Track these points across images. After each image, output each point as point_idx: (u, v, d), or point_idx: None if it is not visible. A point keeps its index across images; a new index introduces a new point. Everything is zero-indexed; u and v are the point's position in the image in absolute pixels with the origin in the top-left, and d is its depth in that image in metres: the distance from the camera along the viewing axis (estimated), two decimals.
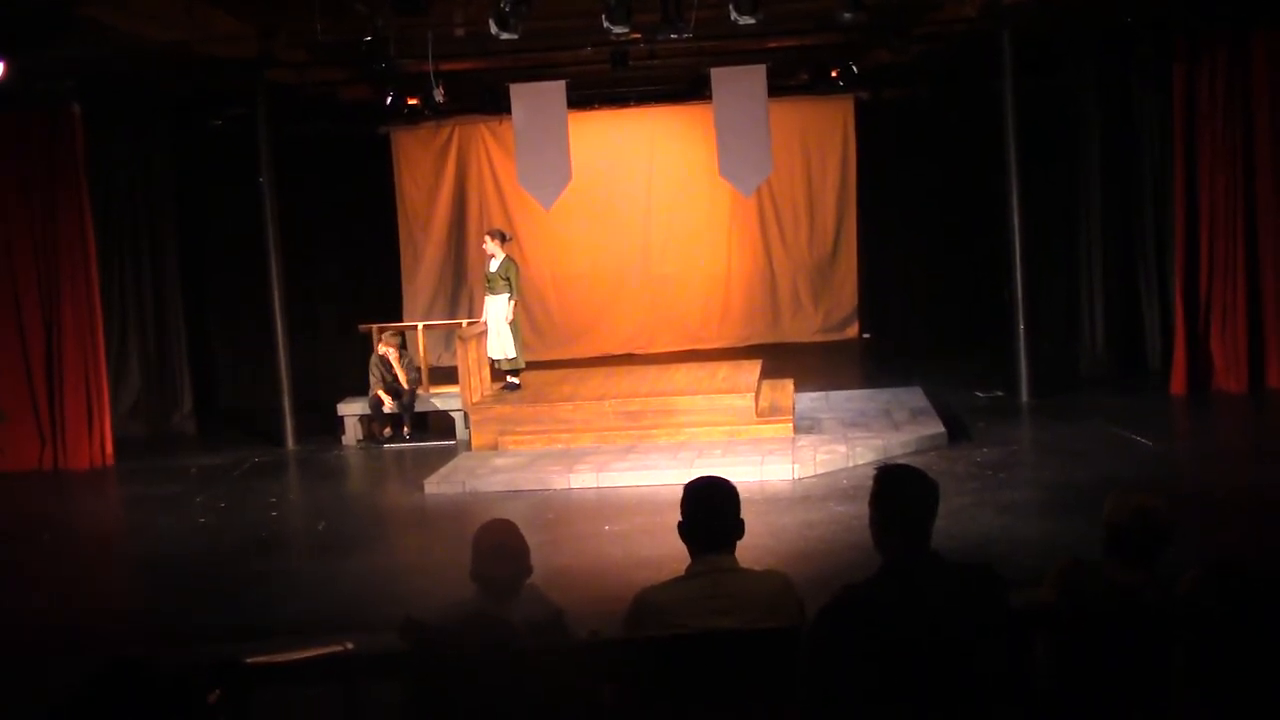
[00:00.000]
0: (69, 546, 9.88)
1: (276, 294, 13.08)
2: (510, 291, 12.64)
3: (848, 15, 10.35)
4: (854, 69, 15.11)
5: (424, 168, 18.04)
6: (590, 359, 16.84)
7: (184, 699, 2.07)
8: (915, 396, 12.82)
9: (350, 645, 3.67)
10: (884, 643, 3.25)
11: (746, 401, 11.78)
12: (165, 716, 2.03)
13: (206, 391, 15.03)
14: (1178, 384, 12.68)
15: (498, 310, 12.69)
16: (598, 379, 13.50)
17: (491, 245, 12.82)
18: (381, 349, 12.91)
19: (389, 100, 14.08)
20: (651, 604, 3.83)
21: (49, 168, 12.34)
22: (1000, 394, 13.11)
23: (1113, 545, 3.98)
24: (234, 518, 10.37)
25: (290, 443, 12.98)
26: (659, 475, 10.23)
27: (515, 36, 9.93)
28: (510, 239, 13.37)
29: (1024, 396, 12.86)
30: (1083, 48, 13.94)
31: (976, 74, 14.37)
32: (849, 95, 17.35)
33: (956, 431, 11.40)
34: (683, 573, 3.92)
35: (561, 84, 13.01)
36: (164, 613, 8.01)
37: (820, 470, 10.32)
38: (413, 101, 14.66)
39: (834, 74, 15.70)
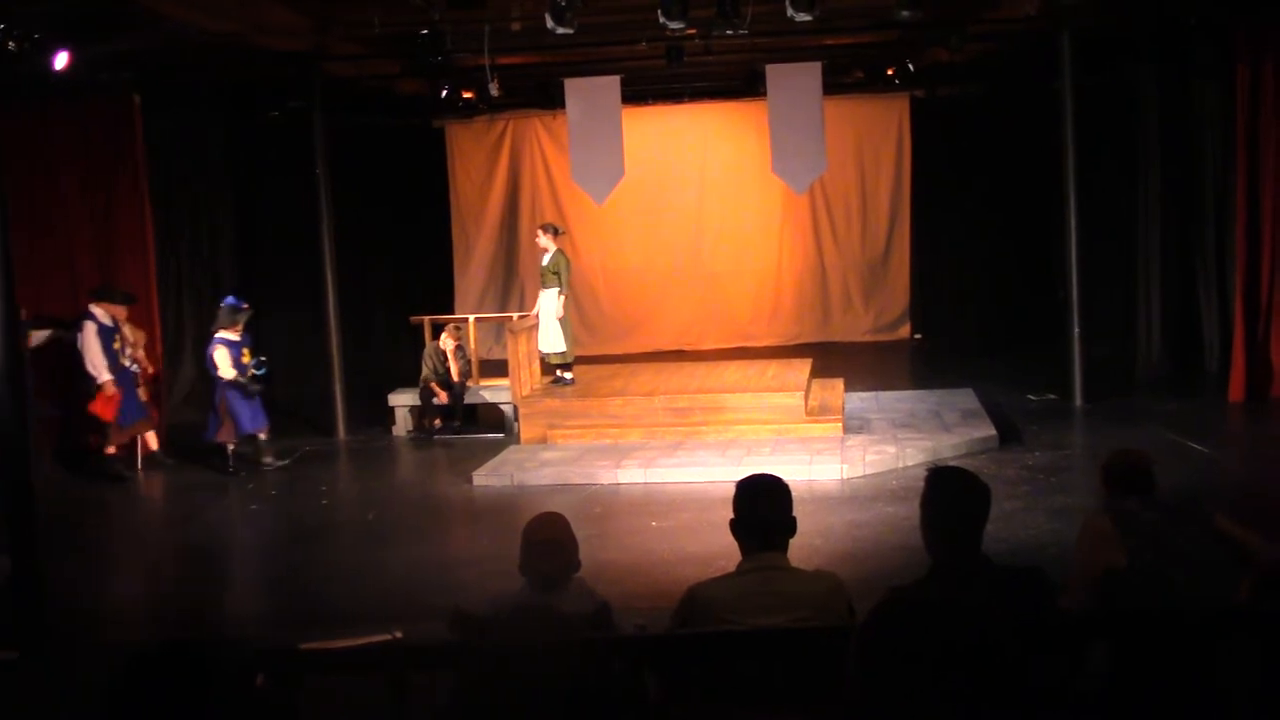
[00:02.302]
0: (122, 532, 10.02)
1: (330, 284, 13.20)
2: (559, 285, 12.67)
3: (905, 13, 10.27)
4: (910, 67, 15.00)
5: (477, 161, 18.12)
6: (640, 354, 16.85)
7: (239, 682, 2.07)
8: (966, 398, 12.71)
9: (399, 634, 3.69)
10: (931, 645, 3.22)
11: (796, 400, 11.74)
12: (220, 699, 2.04)
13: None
14: (1236, 390, 12.46)
15: (548, 304, 12.74)
16: (647, 374, 13.50)
17: (544, 239, 12.87)
18: (445, 339, 12.95)
19: (444, 94, 14.16)
20: (703, 598, 3.82)
21: (109, 157, 12.51)
22: (1053, 397, 12.96)
23: (1109, 484, 4.62)
24: (284, 506, 10.48)
25: (341, 432, 13.09)
26: (707, 472, 10.22)
27: (571, 31, 9.95)
28: (563, 233, 13.39)
29: (1077, 400, 12.71)
30: (1142, 46, 13.76)
31: (1034, 73, 14.21)
32: (904, 93, 17.23)
33: (1008, 434, 11.29)
34: (733, 569, 3.91)
35: (616, 79, 13.02)
36: (213, 599, 8.11)
37: (869, 471, 10.26)
38: (467, 95, 14.74)
39: (890, 72, 15.60)
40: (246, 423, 11.29)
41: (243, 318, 11.40)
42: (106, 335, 11.20)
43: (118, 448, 11.43)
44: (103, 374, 11.09)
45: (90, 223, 12.61)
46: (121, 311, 11.35)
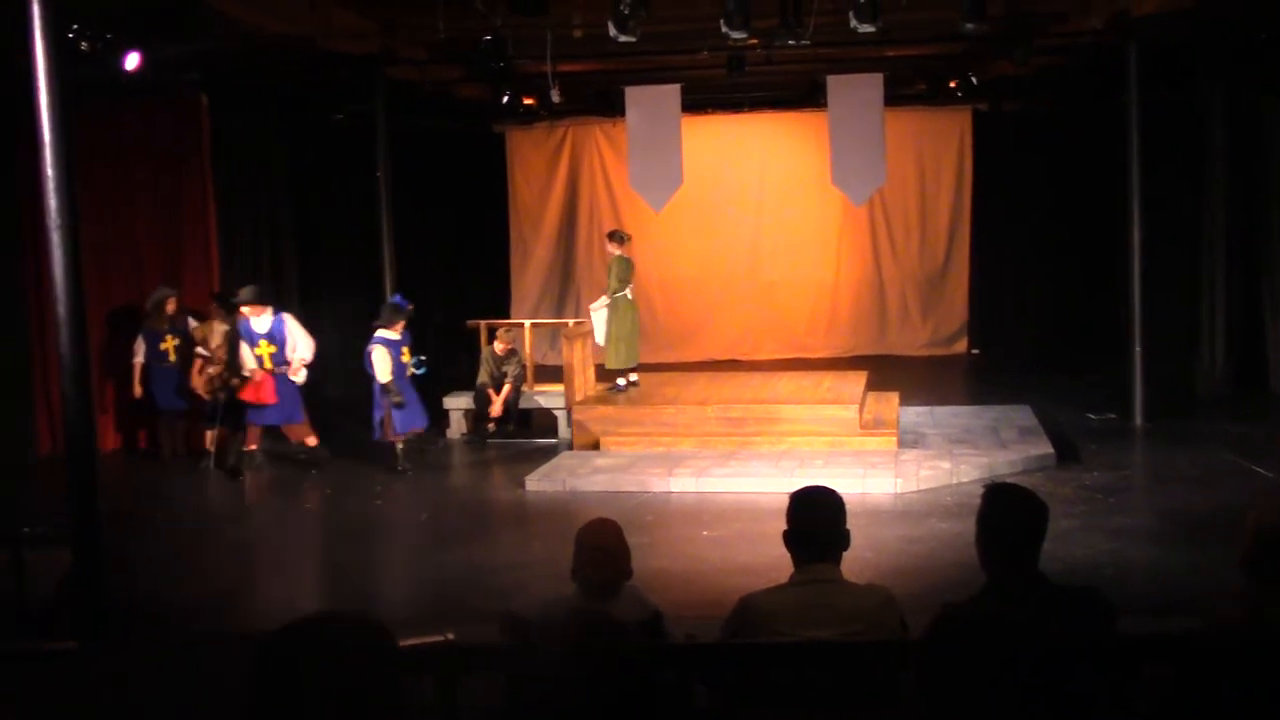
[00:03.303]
0: (181, 528, 10.14)
1: (388, 286, 13.30)
2: (607, 290, 12.92)
3: (970, 26, 10.19)
4: (973, 80, 14.88)
5: (537, 167, 18.21)
6: (694, 363, 16.85)
7: (381, 658, 2.05)
8: (1024, 415, 12.57)
9: (450, 636, 3.71)
10: (989, 662, 3.19)
11: (850, 413, 11.67)
12: (364, 675, 2.02)
13: (317, 378, 15.31)
14: None
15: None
16: (701, 383, 13.49)
17: (608, 245, 13.20)
18: (496, 344, 12.99)
19: (505, 99, 14.24)
20: (755, 609, 3.81)
21: (176, 156, 12.75)
22: (1113, 416, 12.79)
23: (1259, 558, 3.65)
24: (339, 506, 10.57)
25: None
26: (759, 483, 10.20)
27: (633, 39, 9.97)
28: (625, 239, 13.47)
29: (1138, 419, 12.53)
30: (1211, 59, 13.56)
31: (1099, 86, 14.05)
32: (967, 106, 17.11)
33: (1066, 453, 11.15)
34: (785, 580, 3.90)
35: (676, 88, 13.05)
36: (265, 596, 8.19)
37: (923, 486, 10.17)
38: (528, 101, 14.82)
39: (952, 84, 15.48)
40: (400, 423, 11.28)
41: (403, 317, 11.39)
42: (250, 339, 11.33)
43: (312, 440, 11.61)
44: (248, 365, 11.29)
45: (157, 220, 12.86)
46: (258, 310, 11.33)
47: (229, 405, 11.45)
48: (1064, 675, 3.23)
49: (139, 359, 12.07)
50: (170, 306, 12.16)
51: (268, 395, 11.24)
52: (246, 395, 11.26)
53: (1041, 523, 3.68)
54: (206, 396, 11.78)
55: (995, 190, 17.27)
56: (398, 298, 11.73)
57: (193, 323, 12.19)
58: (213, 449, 11.73)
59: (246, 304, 11.30)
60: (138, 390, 12.09)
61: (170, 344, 12.07)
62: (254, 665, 1.99)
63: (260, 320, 11.25)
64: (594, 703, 2.66)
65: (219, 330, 11.74)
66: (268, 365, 11.20)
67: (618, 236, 13.17)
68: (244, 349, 11.24)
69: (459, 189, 17.35)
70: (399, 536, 9.67)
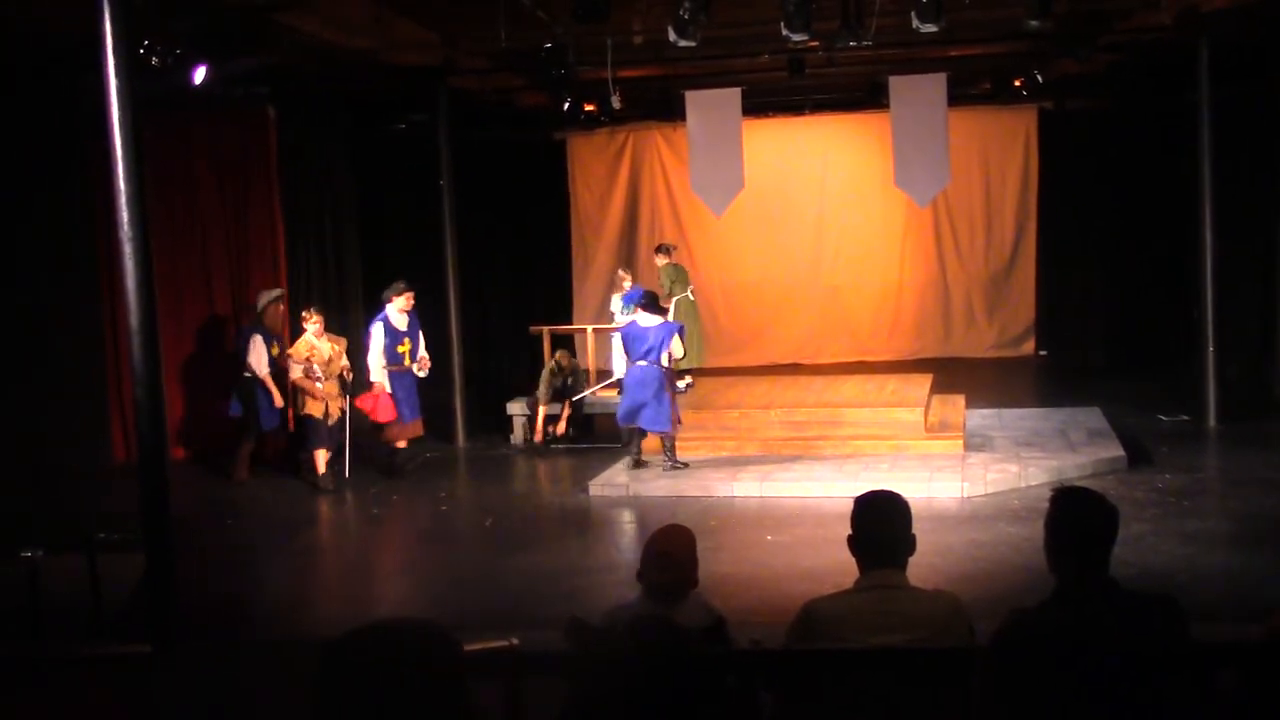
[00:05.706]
0: (248, 533, 10.28)
1: (452, 294, 13.41)
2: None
3: (1034, 23, 10.06)
4: (1038, 78, 14.69)
5: (598, 173, 18.25)
6: (757, 367, 16.80)
7: (444, 664, 2.08)
8: (1093, 417, 12.39)
9: (515, 641, 3.72)
10: (1056, 670, 3.15)
11: (915, 416, 11.57)
12: (426, 681, 2.04)
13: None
14: None
15: None
16: (764, 388, 13.44)
17: (656, 259, 13.40)
18: (553, 363, 12.98)
19: (566, 106, 14.31)
20: (820, 615, 3.79)
21: (243, 168, 12.95)
22: (1185, 418, 12.57)
23: None
24: (404, 511, 10.66)
25: (461, 440, 13.28)
26: (823, 487, 10.15)
27: (693, 44, 9.96)
28: (670, 249, 13.68)
29: (1211, 421, 12.31)
30: None
31: (1169, 83, 13.80)
32: (1032, 105, 16.89)
33: (1137, 456, 10.97)
34: (850, 586, 3.87)
35: (737, 91, 13.03)
36: (333, 602, 8.28)
37: (990, 489, 10.07)
38: (589, 108, 14.86)
39: (1017, 83, 15.29)
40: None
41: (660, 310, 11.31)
42: (394, 337, 11.38)
43: (402, 443, 11.60)
44: (373, 373, 11.30)
45: (225, 230, 13.05)
46: (407, 303, 11.40)
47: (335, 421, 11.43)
48: (1134, 683, 3.18)
49: (265, 370, 11.35)
50: (282, 308, 11.81)
51: (380, 412, 11.27)
52: (362, 405, 11.32)
53: (1112, 527, 3.63)
54: (319, 416, 11.26)
55: (1061, 190, 17.03)
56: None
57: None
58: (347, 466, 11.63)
59: (404, 290, 11.35)
60: (278, 400, 11.45)
61: (277, 352, 11.60)
62: (316, 670, 2.01)
63: (400, 317, 11.38)
64: (658, 709, 2.66)
65: (327, 346, 11.33)
66: (406, 363, 11.35)
67: (663, 249, 13.27)
68: (377, 354, 11.25)
69: (521, 196, 17.44)
70: (464, 542, 9.73)
